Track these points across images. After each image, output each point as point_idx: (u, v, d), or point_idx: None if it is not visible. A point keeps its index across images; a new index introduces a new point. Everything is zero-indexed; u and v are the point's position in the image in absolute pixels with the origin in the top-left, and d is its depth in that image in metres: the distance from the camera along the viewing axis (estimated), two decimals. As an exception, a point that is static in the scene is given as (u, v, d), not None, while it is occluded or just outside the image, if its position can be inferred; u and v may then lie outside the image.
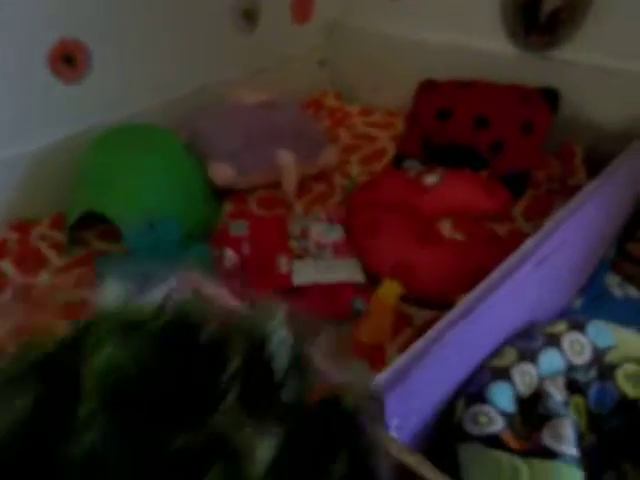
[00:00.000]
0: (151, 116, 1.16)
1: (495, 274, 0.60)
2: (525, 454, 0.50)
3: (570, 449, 0.50)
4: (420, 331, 0.86)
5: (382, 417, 0.46)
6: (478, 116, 1.12)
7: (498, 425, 0.53)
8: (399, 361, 0.49)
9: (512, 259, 0.63)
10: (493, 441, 0.52)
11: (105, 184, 1.01)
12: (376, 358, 0.82)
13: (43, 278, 0.99)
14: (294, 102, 1.27)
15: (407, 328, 0.86)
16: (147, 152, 1.05)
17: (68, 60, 1.10)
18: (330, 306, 0.86)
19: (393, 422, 0.47)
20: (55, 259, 1.04)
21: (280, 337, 0.32)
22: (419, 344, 0.50)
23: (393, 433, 0.47)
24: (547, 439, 0.51)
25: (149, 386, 0.23)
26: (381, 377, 0.47)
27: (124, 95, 1.18)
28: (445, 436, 0.56)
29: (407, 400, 0.49)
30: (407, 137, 1.25)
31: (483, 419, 0.53)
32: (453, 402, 0.57)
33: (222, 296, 0.58)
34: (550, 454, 0.50)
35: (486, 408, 0.54)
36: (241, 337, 0.30)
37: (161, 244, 0.90)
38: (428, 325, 0.58)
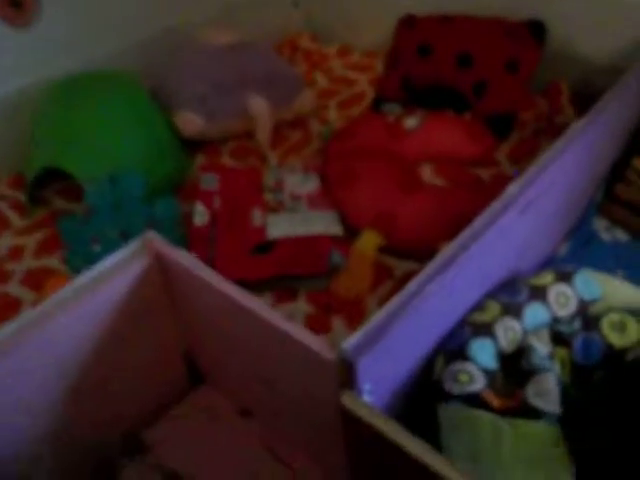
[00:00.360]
0: (110, 62, 1.08)
1: (477, 222, 0.56)
2: (507, 413, 0.48)
3: (554, 408, 0.48)
4: (401, 283, 0.83)
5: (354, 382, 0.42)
6: (460, 53, 1.06)
7: (479, 384, 0.50)
8: (372, 321, 0.45)
9: (495, 205, 0.58)
10: (474, 400, 0.49)
11: (64, 137, 0.95)
12: (355, 312, 0.79)
13: (5, 240, 0.94)
14: (266, 43, 1.19)
15: (388, 280, 0.83)
16: (109, 101, 0.98)
17: (15, 4, 1.01)
18: (306, 260, 0.82)
19: (366, 386, 0.44)
20: (16, 220, 0.98)
21: None
22: (394, 302, 0.47)
23: (366, 398, 0.44)
24: (531, 396, 0.48)
25: None
26: (352, 340, 0.43)
27: (80, 39, 1.09)
28: (425, 396, 0.53)
29: (382, 362, 0.46)
30: (387, 78, 1.18)
31: (464, 377, 0.50)
32: (432, 359, 0.54)
33: (185, 262, 0.54)
34: (534, 413, 0.47)
35: (467, 366, 0.51)
36: None
37: (124, 200, 0.85)
38: (409, 277, 0.54)
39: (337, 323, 0.78)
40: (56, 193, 1.02)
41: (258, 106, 1.06)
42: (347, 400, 0.43)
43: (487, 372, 0.51)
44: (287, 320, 0.45)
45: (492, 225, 0.56)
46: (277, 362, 0.50)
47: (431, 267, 0.52)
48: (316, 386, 0.47)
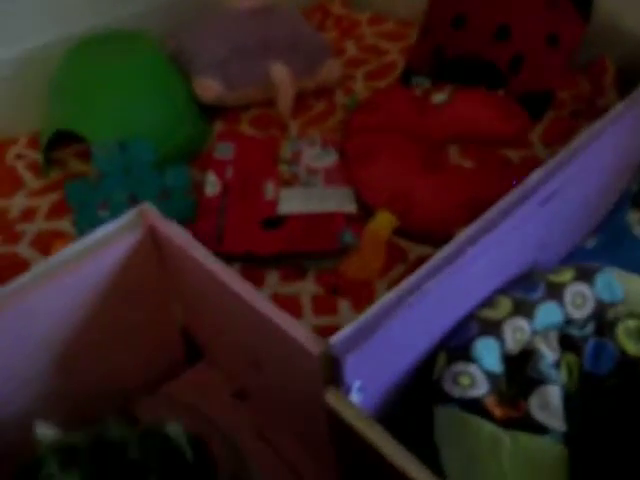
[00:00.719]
0: (136, 22, 1.05)
1: (492, 212, 0.51)
2: (509, 425, 0.44)
3: (559, 424, 0.44)
4: (413, 267, 0.79)
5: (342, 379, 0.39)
6: (498, 24, 0.99)
7: (482, 389, 0.46)
8: (366, 314, 0.42)
9: (515, 193, 0.54)
10: (474, 406, 0.45)
11: (80, 99, 0.93)
12: (364, 296, 0.75)
13: (18, 200, 0.94)
14: (292, 8, 1.14)
15: (400, 264, 0.79)
16: (127, 64, 0.95)
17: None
18: (317, 237, 0.79)
19: (355, 383, 0.41)
20: (31, 181, 0.97)
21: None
22: (391, 295, 0.43)
23: (355, 396, 0.41)
24: (535, 410, 0.45)
25: None
26: (341, 334, 0.40)
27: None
28: (422, 394, 0.50)
29: (375, 358, 0.42)
30: (418, 49, 1.12)
31: (465, 380, 0.46)
32: (433, 355, 0.50)
33: (176, 237, 0.51)
34: (538, 428, 0.44)
35: (470, 368, 0.47)
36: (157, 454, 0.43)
37: (133, 166, 0.83)
38: (422, 262, 0.51)
39: (343, 305, 0.75)
40: (74, 154, 1.01)
41: (280, 73, 1.02)
42: (331, 399, 0.40)
43: (491, 376, 0.48)
44: (275, 307, 0.43)
45: (508, 216, 0.51)
46: (264, 348, 0.48)
47: (438, 258, 0.49)
48: (302, 378, 0.44)
